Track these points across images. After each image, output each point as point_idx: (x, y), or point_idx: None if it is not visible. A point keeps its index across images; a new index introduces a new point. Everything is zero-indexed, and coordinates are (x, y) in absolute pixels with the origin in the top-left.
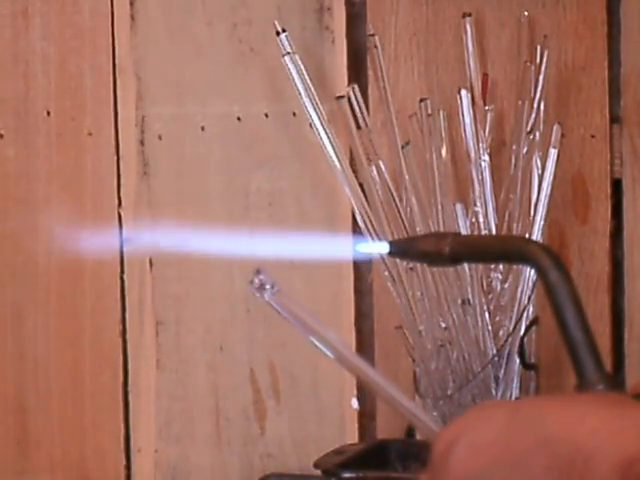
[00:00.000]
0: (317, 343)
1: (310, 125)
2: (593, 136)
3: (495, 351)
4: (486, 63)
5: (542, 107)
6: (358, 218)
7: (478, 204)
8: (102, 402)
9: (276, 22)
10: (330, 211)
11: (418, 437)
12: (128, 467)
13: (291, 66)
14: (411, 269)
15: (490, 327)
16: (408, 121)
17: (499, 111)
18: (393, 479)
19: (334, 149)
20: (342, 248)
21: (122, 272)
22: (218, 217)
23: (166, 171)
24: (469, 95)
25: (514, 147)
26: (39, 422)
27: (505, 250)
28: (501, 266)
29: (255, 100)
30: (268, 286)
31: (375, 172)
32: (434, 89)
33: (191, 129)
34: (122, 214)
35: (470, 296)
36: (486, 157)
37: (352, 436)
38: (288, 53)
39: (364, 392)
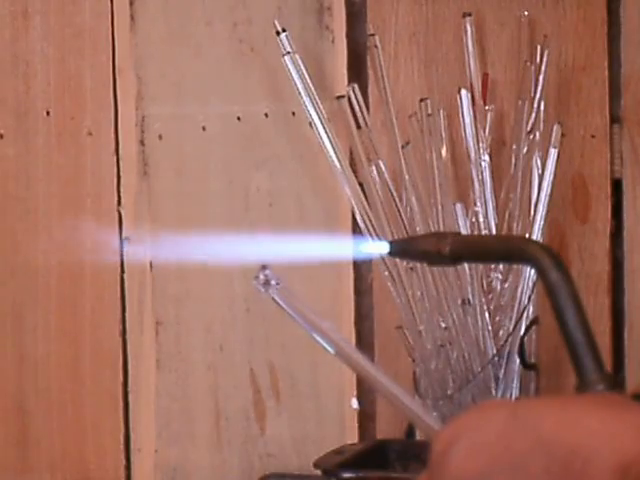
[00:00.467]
0: (319, 339)
1: (310, 125)
2: (593, 136)
3: (495, 351)
4: (486, 63)
5: (542, 107)
6: (358, 218)
7: (478, 204)
8: (102, 402)
9: (276, 22)
10: (330, 211)
11: (418, 437)
12: (128, 467)
13: (291, 66)
14: (411, 269)
15: (490, 327)
16: (408, 121)
17: (499, 111)
18: (393, 479)
19: (334, 149)
20: (342, 248)
21: (122, 272)
22: (218, 217)
23: (166, 171)
24: (469, 95)
25: (514, 147)
26: (39, 422)
27: (505, 250)
28: (501, 266)
29: (255, 100)
30: (273, 282)
31: (375, 172)
32: (434, 89)
33: (191, 129)
34: (122, 214)
35: (470, 296)
36: (486, 157)
37: (352, 436)
38: (288, 53)
39: (364, 392)
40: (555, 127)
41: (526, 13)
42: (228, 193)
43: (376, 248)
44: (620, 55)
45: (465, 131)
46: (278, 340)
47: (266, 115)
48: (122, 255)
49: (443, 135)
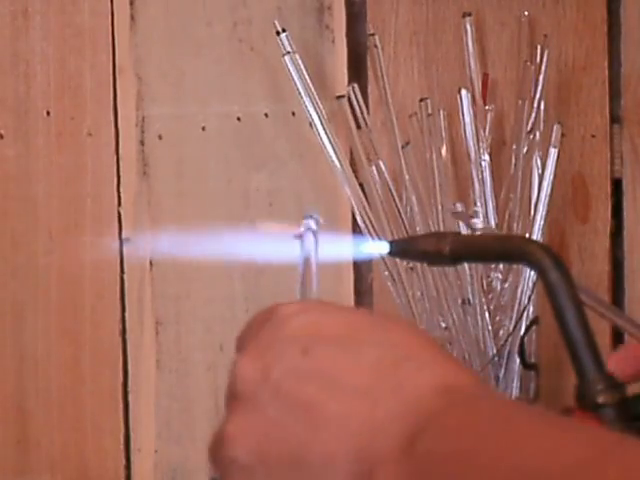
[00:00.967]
0: None
1: (310, 125)
2: (593, 136)
3: (495, 351)
4: (486, 63)
5: (542, 107)
6: (358, 218)
7: (478, 204)
8: (102, 402)
9: (276, 22)
10: (330, 211)
11: None
12: (128, 467)
13: (291, 66)
14: (411, 269)
15: (490, 327)
16: (408, 121)
17: (499, 111)
18: None
19: (334, 149)
20: (342, 248)
21: (122, 272)
22: (218, 217)
23: (166, 171)
24: (469, 95)
25: (514, 147)
26: (39, 422)
27: (505, 250)
28: (501, 266)
29: (255, 100)
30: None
31: (375, 172)
32: (434, 89)
33: (191, 129)
34: (122, 214)
35: (470, 296)
36: (486, 157)
37: None
38: (288, 53)
39: None
40: (555, 127)
41: (526, 13)
42: (228, 193)
43: (376, 248)
44: (620, 55)
45: (465, 131)
46: None
47: (266, 115)
48: (122, 255)
49: (443, 135)
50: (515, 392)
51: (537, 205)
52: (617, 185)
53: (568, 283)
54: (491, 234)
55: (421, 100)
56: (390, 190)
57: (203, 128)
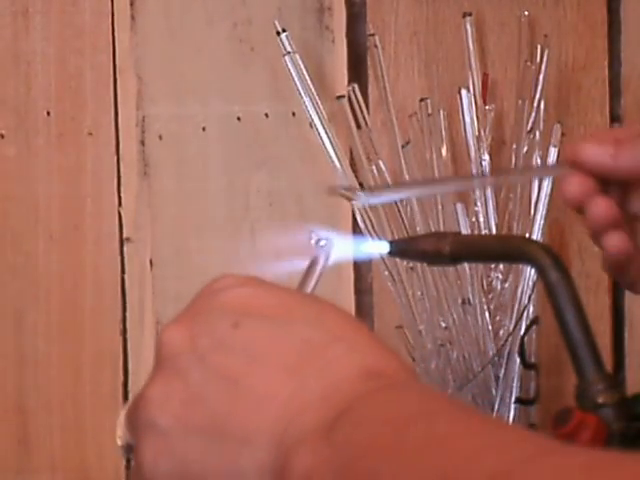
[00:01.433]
0: None
1: (310, 125)
2: None
3: (495, 351)
4: (486, 63)
5: (542, 106)
6: (358, 218)
7: (478, 204)
8: (102, 402)
9: (276, 22)
10: (330, 211)
11: None
12: (128, 467)
13: (291, 66)
14: (411, 269)
15: (490, 327)
16: (408, 121)
17: (499, 111)
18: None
19: (334, 149)
20: (342, 248)
21: (122, 272)
22: (218, 217)
23: (166, 171)
24: (469, 95)
25: (514, 146)
26: (39, 422)
27: (505, 250)
28: (501, 266)
29: (255, 100)
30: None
31: (375, 172)
32: (434, 89)
33: (192, 129)
34: (122, 214)
35: (470, 296)
36: (486, 156)
37: None
38: (288, 53)
39: None
40: (555, 127)
41: (526, 13)
42: (228, 193)
43: (376, 248)
44: (620, 55)
45: (465, 131)
46: None
47: (266, 115)
48: (122, 255)
49: (443, 135)
50: (515, 392)
51: (537, 205)
52: None
53: (568, 283)
54: (491, 234)
55: (421, 100)
56: None
57: (203, 128)
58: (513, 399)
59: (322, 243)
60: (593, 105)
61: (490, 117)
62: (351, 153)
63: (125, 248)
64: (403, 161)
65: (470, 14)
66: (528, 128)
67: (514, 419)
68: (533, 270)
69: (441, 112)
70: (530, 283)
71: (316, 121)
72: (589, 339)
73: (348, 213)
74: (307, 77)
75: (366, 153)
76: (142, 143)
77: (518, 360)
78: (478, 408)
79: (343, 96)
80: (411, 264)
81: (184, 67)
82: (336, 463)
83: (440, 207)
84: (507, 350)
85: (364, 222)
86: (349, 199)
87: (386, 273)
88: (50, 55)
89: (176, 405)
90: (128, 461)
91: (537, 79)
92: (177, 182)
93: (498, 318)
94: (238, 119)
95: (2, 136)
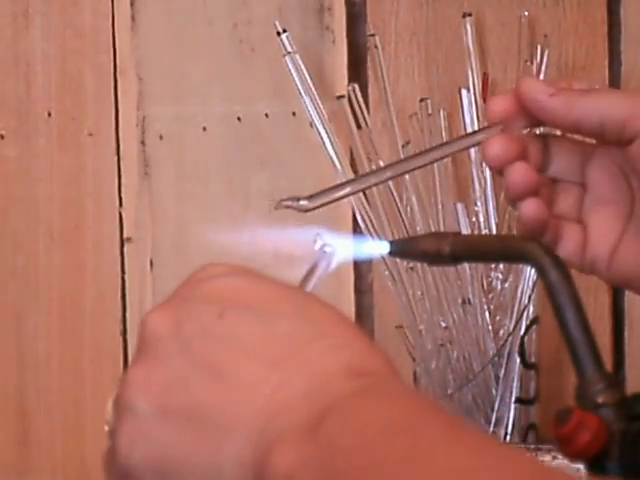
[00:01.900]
0: None
1: (310, 125)
2: None
3: (495, 351)
4: (486, 63)
5: None
6: (358, 218)
7: (479, 203)
8: (103, 402)
9: (277, 22)
10: (330, 211)
11: None
12: None
13: (291, 66)
14: (411, 269)
15: (490, 327)
16: (408, 121)
17: None
18: None
19: (334, 149)
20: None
21: (123, 272)
22: (219, 217)
23: (167, 171)
24: (469, 95)
25: None
26: (40, 422)
27: (505, 250)
28: (501, 266)
29: (256, 100)
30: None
31: None
32: (434, 89)
33: (192, 129)
34: (123, 214)
35: (470, 295)
36: None
37: None
38: (289, 53)
39: None
40: None
41: (526, 13)
42: (229, 193)
43: (376, 248)
44: (620, 55)
45: (465, 131)
46: None
47: (267, 115)
48: (123, 255)
49: (443, 135)
50: (515, 392)
51: None
52: None
53: (568, 283)
54: (491, 234)
55: (421, 100)
56: (390, 190)
57: (204, 128)
58: (513, 399)
59: (326, 249)
60: None
61: None
62: (351, 153)
63: (125, 248)
64: None
65: (470, 14)
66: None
67: (514, 419)
68: (533, 270)
69: (441, 112)
70: (530, 283)
71: (316, 121)
72: (589, 339)
73: (348, 213)
74: (307, 77)
75: (366, 153)
76: (142, 143)
77: (518, 360)
78: (478, 408)
79: (343, 96)
80: (411, 264)
81: (184, 67)
82: (318, 463)
83: (440, 207)
84: (507, 350)
85: (364, 222)
86: (296, 209)
87: (386, 273)
88: (50, 56)
89: (156, 389)
90: None
91: (537, 79)
92: (177, 182)
93: (498, 318)
94: (238, 119)
95: (2, 137)
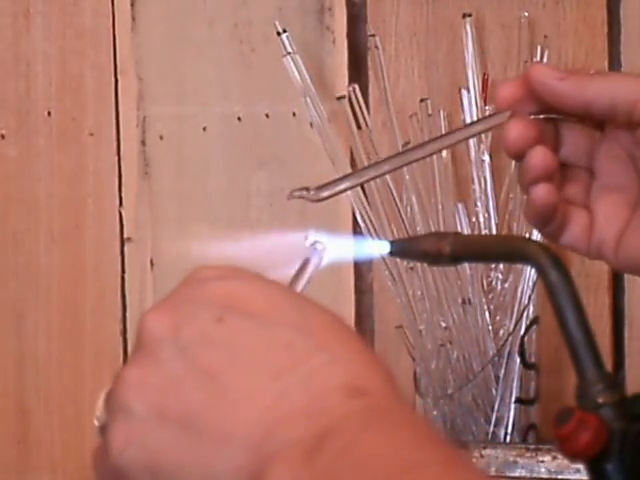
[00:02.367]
0: None
1: (310, 125)
2: None
3: (495, 351)
4: (486, 63)
5: None
6: (358, 218)
7: (479, 204)
8: None
9: (277, 22)
10: (330, 211)
11: None
12: None
13: (292, 66)
14: (411, 269)
15: (490, 327)
16: (408, 121)
17: None
18: None
19: (334, 149)
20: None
21: (123, 272)
22: (219, 217)
23: (167, 171)
24: (469, 95)
25: None
26: (40, 422)
27: (505, 250)
28: (501, 266)
29: (256, 100)
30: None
31: None
32: (434, 89)
33: (192, 129)
34: (123, 214)
35: (470, 296)
36: (486, 157)
37: None
38: (289, 53)
39: None
40: None
41: (526, 14)
42: (229, 193)
43: (376, 248)
44: (620, 55)
45: None
46: None
47: (267, 115)
48: (123, 255)
49: None
50: (515, 392)
51: None
52: None
53: (568, 283)
54: (491, 234)
55: (421, 100)
56: (390, 190)
57: (204, 128)
58: (513, 399)
59: (317, 245)
60: None
61: None
62: (351, 153)
63: (125, 248)
64: None
65: (470, 15)
66: None
67: (514, 419)
68: (533, 270)
69: (441, 112)
70: (530, 283)
71: (316, 121)
72: (589, 339)
73: (348, 213)
74: (307, 77)
75: (366, 153)
76: (143, 143)
77: (518, 360)
78: (478, 408)
79: (343, 96)
80: (411, 264)
81: (185, 68)
82: None
83: (440, 207)
84: (507, 350)
85: (364, 222)
86: (307, 199)
87: (386, 273)
88: (51, 56)
89: (152, 391)
90: None
91: None
92: (177, 182)
93: (498, 318)
94: (239, 119)
95: (3, 137)
